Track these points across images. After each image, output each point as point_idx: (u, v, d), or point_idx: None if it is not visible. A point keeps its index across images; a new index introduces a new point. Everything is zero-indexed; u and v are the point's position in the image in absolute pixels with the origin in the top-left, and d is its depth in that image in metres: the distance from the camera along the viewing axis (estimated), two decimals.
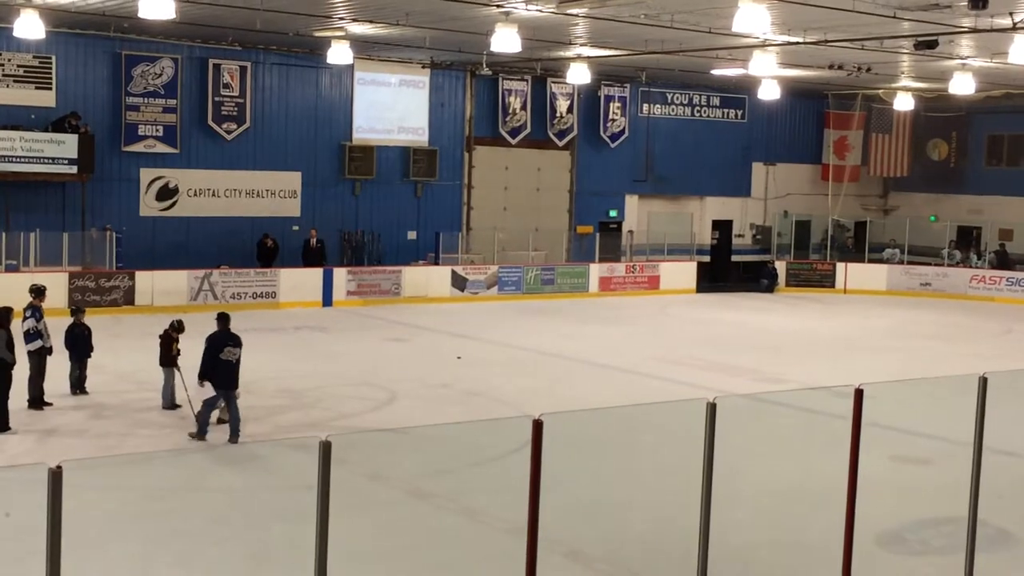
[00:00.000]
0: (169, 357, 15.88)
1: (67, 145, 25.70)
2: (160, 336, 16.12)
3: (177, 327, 16.12)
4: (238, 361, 14.66)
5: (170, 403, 15.90)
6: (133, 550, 10.44)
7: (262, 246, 28.53)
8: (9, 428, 14.57)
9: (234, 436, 14.40)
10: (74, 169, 25.91)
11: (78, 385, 16.55)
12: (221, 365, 14.50)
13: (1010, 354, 23.86)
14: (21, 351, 15.35)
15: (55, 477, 4.99)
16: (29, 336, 15.81)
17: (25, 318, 15.91)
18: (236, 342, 14.74)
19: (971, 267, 35.32)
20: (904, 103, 34.24)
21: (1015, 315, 30.85)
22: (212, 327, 15.06)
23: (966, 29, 20.96)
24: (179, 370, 15.79)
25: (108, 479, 12.20)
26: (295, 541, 9.11)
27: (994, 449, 8.98)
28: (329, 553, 5.87)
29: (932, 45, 22.12)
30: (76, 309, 17.28)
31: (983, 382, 8.33)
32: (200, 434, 14.50)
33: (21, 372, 15.47)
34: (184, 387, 15.42)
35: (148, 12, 18.38)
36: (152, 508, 11.58)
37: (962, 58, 25.85)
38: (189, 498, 11.97)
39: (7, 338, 14.81)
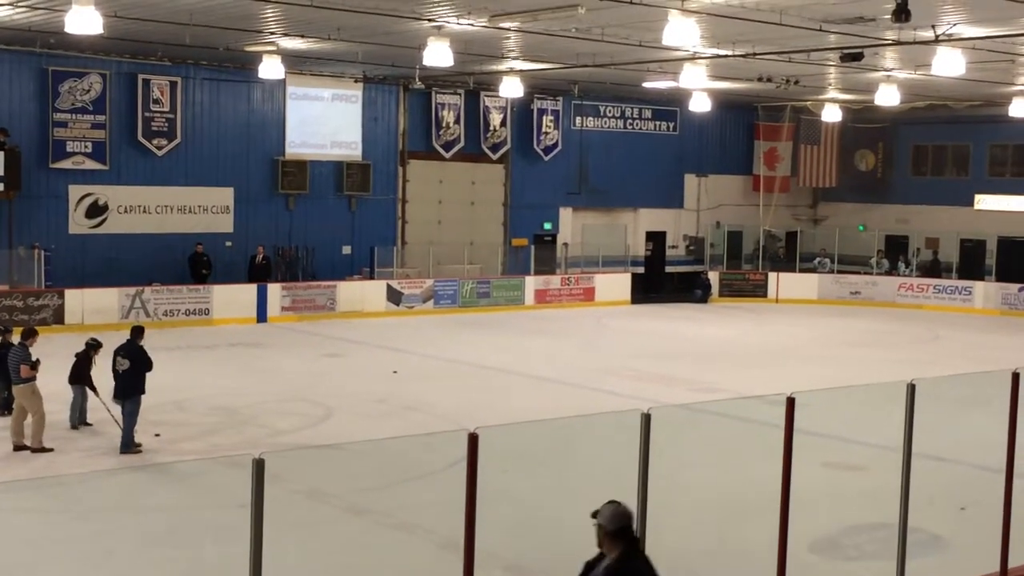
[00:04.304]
0: (82, 375, 15.71)
1: None
2: (77, 354, 15.93)
3: (94, 345, 16.00)
4: (124, 372, 14.62)
5: (77, 421, 15.71)
6: (64, 573, 10.26)
7: (195, 257, 28.21)
8: None
9: (122, 447, 14.56)
10: (0, 186, 25.45)
11: (5, 406, 16.24)
12: (115, 375, 14.73)
13: (938, 360, 24.27)
14: None
15: None
16: None
17: None
18: (123, 353, 14.74)
19: (899, 275, 35.91)
20: (831, 114, 34.76)
21: (942, 321, 31.43)
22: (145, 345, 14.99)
23: (890, 42, 21.34)
24: (94, 389, 15.63)
25: (37, 501, 11.99)
26: (230, 561, 9.01)
27: (924, 455, 9.13)
28: (264, 572, 5.81)
29: (857, 57, 22.50)
30: (4, 329, 16.99)
31: (911, 389, 8.46)
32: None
33: None
34: (106, 407, 15.27)
35: (75, 27, 18.09)
36: (83, 530, 11.39)
37: (887, 70, 26.33)
38: (121, 519, 11.80)
39: None
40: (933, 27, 19.65)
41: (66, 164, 26.99)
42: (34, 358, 14.92)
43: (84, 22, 17.87)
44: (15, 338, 16.05)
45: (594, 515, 6.44)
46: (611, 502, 6.39)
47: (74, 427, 15.69)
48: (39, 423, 14.58)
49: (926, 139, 38.59)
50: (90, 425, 15.75)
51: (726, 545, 11.35)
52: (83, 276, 26.77)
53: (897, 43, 21.28)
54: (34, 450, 14.46)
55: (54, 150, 26.79)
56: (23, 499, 11.50)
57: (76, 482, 13.12)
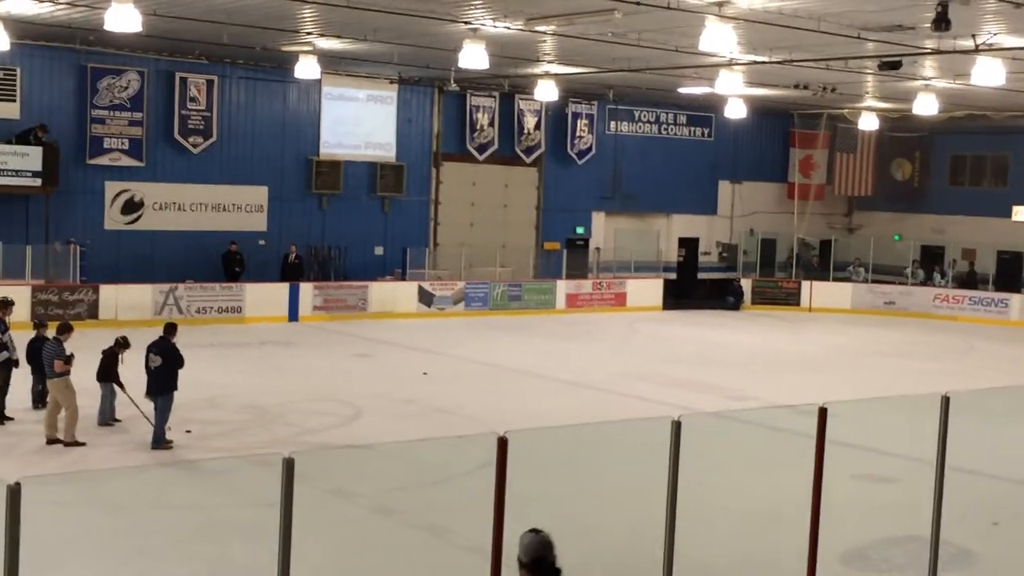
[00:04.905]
0: (110, 372, 15.77)
1: (31, 157, 25.50)
2: (104, 351, 16.01)
3: (123, 343, 16.05)
4: (156, 369, 14.70)
5: (106, 419, 15.77)
6: (94, 567, 10.33)
7: (228, 255, 28.37)
8: None
9: (153, 443, 14.64)
10: (38, 181, 25.69)
11: (39, 399, 16.37)
12: (147, 372, 14.86)
13: (973, 372, 24.05)
14: None
15: (13, 494, 4.92)
16: None
17: None
18: (156, 350, 14.82)
19: (934, 286, 35.61)
20: (868, 123, 34.52)
21: (978, 333, 31.13)
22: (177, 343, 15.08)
23: (929, 50, 21.17)
24: (122, 386, 15.69)
25: (69, 495, 12.08)
26: (258, 558, 9.04)
27: (958, 468, 9.04)
28: (292, 570, 5.82)
29: (896, 66, 22.33)
30: (39, 323, 17.14)
31: (945, 401, 8.38)
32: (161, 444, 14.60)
33: None
34: (135, 404, 15.33)
35: (114, 25, 18.24)
36: (113, 525, 11.46)
37: (925, 79, 26.12)
38: (151, 515, 11.85)
39: None
40: (973, 36, 19.47)
41: (103, 160, 27.22)
42: (68, 353, 15.04)
43: (123, 20, 18.02)
44: (50, 332, 16.17)
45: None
46: (531, 531, 5.92)
47: (103, 424, 15.76)
48: (72, 417, 14.69)
49: (964, 149, 38.27)
50: (119, 421, 15.83)
51: (755, 555, 11.27)
52: (118, 272, 26.97)
53: (936, 52, 21.11)
54: (67, 444, 14.58)
55: (91, 146, 27.02)
56: (55, 492, 11.58)
57: (107, 477, 13.20)
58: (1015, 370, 24.15)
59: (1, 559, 4.95)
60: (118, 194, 27.63)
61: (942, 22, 16.28)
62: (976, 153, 38.21)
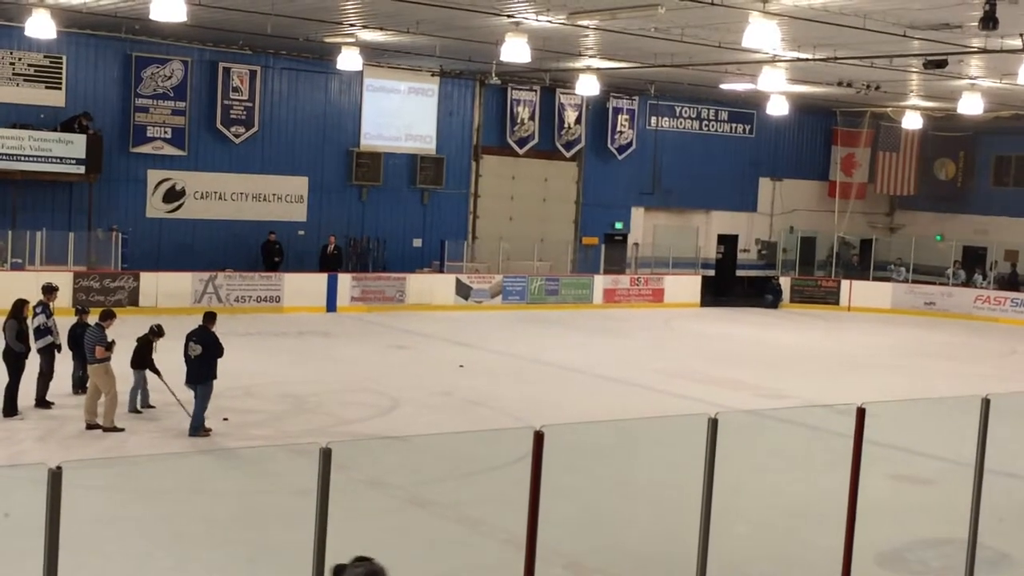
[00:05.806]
0: (144, 360, 15.87)
1: (75, 145, 25.76)
2: (138, 339, 16.11)
3: (157, 332, 16.15)
4: (196, 358, 14.77)
5: (135, 406, 15.86)
6: (131, 552, 10.43)
7: (267, 245, 28.55)
8: (18, 413, 15.21)
9: (191, 430, 14.70)
10: (82, 169, 25.95)
11: (80, 385, 16.54)
12: (187, 361, 14.91)
13: (1014, 375, 23.80)
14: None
15: (55, 477, 4.99)
16: (39, 332, 15.97)
17: (35, 314, 16.05)
18: (196, 338, 14.87)
19: (976, 287, 35.25)
20: (912, 122, 34.21)
21: (1020, 336, 30.79)
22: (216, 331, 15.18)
23: (976, 49, 20.95)
24: (159, 374, 15.77)
25: (108, 480, 12.20)
26: (294, 546, 9.09)
27: (997, 471, 8.96)
28: (327, 559, 5.86)
29: (941, 65, 22.11)
30: (80, 309, 17.31)
31: (986, 403, 8.30)
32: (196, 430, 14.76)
33: (34, 367, 15.64)
34: (171, 391, 15.43)
35: (159, 14, 18.41)
36: (151, 510, 11.57)
37: (971, 78, 25.86)
38: (188, 501, 11.96)
39: (18, 328, 15.43)
40: (1021, 36, 19.25)
41: (146, 149, 27.47)
42: (109, 339, 15.19)
43: (168, 10, 18.17)
44: (92, 319, 16.33)
45: (337, 572, 5.78)
46: (360, 561, 5.80)
47: (134, 411, 15.83)
48: (111, 403, 14.84)
49: (1009, 149, 37.83)
50: (153, 408, 15.94)
51: (790, 554, 11.22)
52: (158, 260, 27.23)
53: (983, 51, 20.89)
54: (106, 429, 14.73)
55: (135, 135, 27.27)
56: (93, 477, 11.70)
57: (146, 462, 13.33)
58: None
59: (42, 541, 5.03)
60: (160, 182, 27.87)
61: (990, 21, 16.11)
62: (1021, 154, 37.74)
